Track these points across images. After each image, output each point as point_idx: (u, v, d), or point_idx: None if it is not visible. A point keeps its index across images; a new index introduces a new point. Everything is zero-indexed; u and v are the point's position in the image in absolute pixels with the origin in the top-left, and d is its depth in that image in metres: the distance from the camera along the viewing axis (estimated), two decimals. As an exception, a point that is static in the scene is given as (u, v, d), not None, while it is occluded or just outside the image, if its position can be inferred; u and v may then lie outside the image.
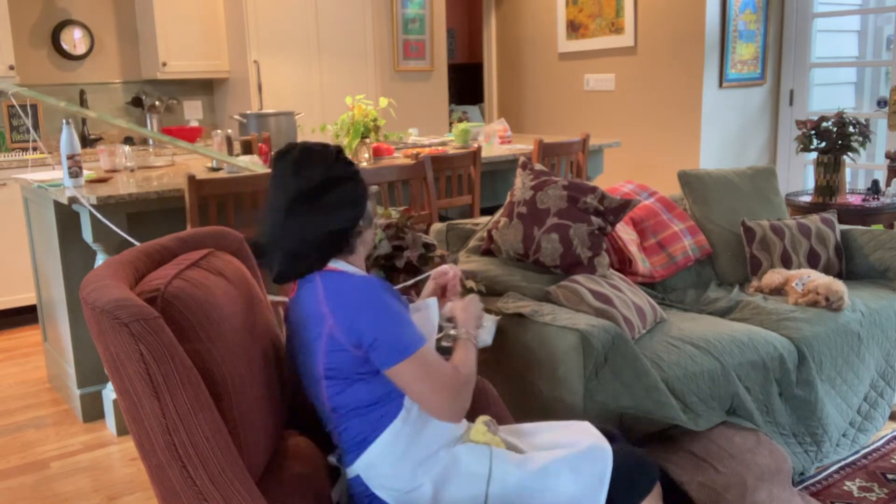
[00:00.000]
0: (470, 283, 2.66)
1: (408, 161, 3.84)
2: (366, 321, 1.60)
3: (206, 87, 5.85)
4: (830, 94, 5.91)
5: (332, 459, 1.78)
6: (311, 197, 1.66)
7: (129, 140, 5.42)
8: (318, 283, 1.67)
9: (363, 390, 1.65)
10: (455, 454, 1.70)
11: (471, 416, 1.81)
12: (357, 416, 1.66)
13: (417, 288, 2.37)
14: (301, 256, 1.68)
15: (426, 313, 1.82)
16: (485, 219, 3.21)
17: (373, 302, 1.62)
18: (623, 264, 3.04)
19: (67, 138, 3.08)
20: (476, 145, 4.35)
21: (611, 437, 1.85)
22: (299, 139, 4.86)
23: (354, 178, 1.71)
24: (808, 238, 3.26)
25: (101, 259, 3.11)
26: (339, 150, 1.73)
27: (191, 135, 5.40)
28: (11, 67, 4.75)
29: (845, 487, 2.62)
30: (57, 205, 3.19)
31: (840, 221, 3.52)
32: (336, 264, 1.71)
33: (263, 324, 1.78)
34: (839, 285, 2.87)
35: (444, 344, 2.23)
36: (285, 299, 1.97)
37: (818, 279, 2.91)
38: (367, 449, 1.67)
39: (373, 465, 1.67)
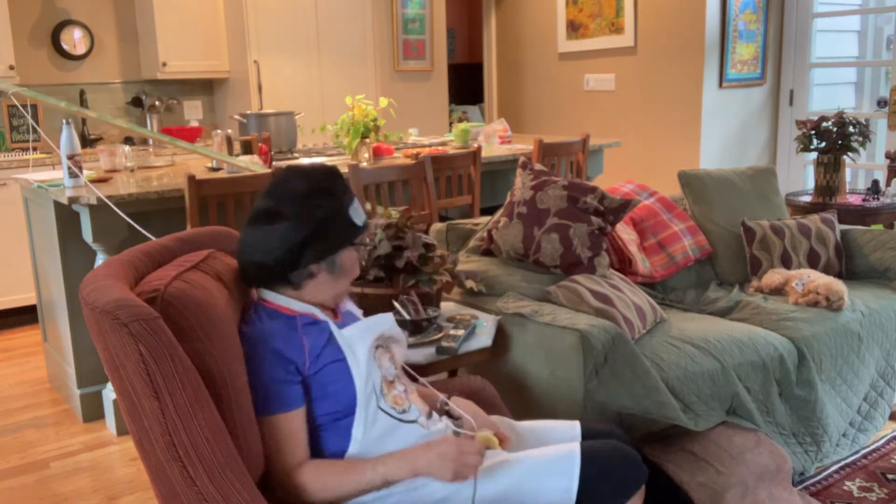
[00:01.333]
0: (470, 284, 2.66)
1: (408, 161, 3.84)
2: (247, 368, 1.58)
3: (206, 87, 5.85)
4: (830, 94, 5.91)
5: None
6: (255, 218, 1.64)
7: (129, 140, 5.42)
8: (252, 312, 1.67)
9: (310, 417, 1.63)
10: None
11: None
12: (315, 442, 1.64)
13: (417, 288, 2.37)
14: (253, 268, 1.65)
15: (367, 326, 1.72)
16: (485, 219, 3.21)
17: (256, 353, 1.59)
18: (623, 264, 3.04)
19: (67, 138, 3.08)
20: (476, 145, 4.35)
21: (608, 436, 1.85)
22: (299, 139, 4.87)
23: (298, 222, 1.60)
24: (808, 238, 3.26)
25: (101, 259, 3.11)
26: (318, 189, 1.62)
27: (191, 135, 5.40)
28: (11, 67, 4.75)
29: (845, 487, 2.62)
30: (57, 205, 3.19)
31: (840, 221, 3.52)
32: (274, 297, 1.67)
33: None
34: (839, 285, 2.87)
35: (444, 344, 2.24)
36: None
37: (818, 279, 2.91)
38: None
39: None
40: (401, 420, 1.67)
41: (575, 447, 1.67)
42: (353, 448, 1.62)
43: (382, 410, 1.65)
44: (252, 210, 1.66)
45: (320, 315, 1.68)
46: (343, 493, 1.58)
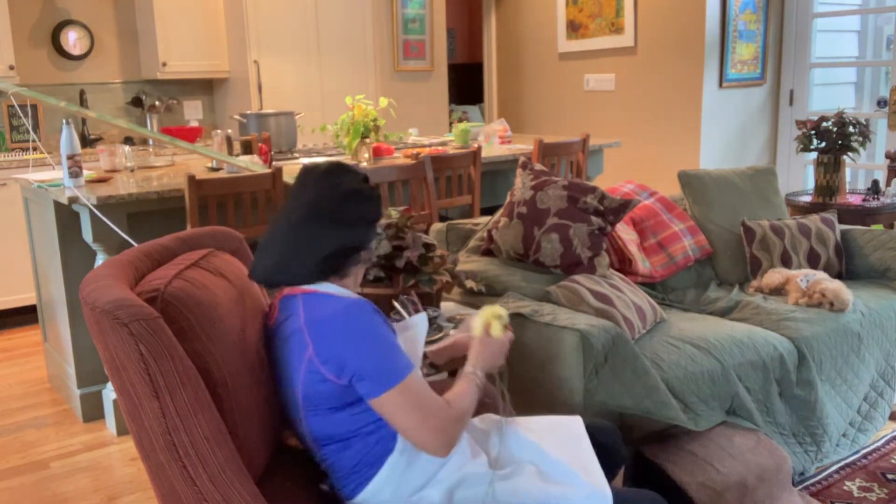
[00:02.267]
0: (470, 284, 2.66)
1: (408, 161, 3.84)
2: (348, 351, 1.53)
3: (206, 87, 5.85)
4: (830, 94, 5.91)
5: (325, 487, 1.70)
6: (335, 203, 1.61)
7: (129, 140, 5.42)
8: (300, 305, 1.61)
9: (347, 421, 1.58)
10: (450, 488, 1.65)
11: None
12: (344, 447, 1.60)
13: (418, 288, 2.37)
14: (296, 264, 1.60)
15: (412, 333, 1.76)
16: (485, 219, 3.21)
17: (356, 329, 1.54)
18: (623, 264, 3.04)
19: (67, 138, 3.08)
20: (476, 145, 4.35)
21: (605, 432, 1.83)
22: (299, 139, 4.87)
23: (377, 201, 1.67)
24: (808, 238, 3.26)
25: (101, 259, 3.11)
26: (366, 176, 1.70)
27: (191, 135, 5.40)
28: (11, 67, 4.75)
29: (845, 487, 2.62)
30: (57, 205, 3.19)
31: (840, 221, 3.52)
32: (322, 286, 1.63)
33: (264, 323, 1.78)
34: (847, 294, 2.85)
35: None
36: None
37: (826, 282, 2.89)
38: (367, 484, 1.62)
39: (374, 499, 1.62)
40: None
41: (607, 495, 1.63)
42: (400, 445, 1.61)
43: None
44: (310, 200, 1.62)
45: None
46: (475, 406, 1.67)
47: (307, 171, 1.68)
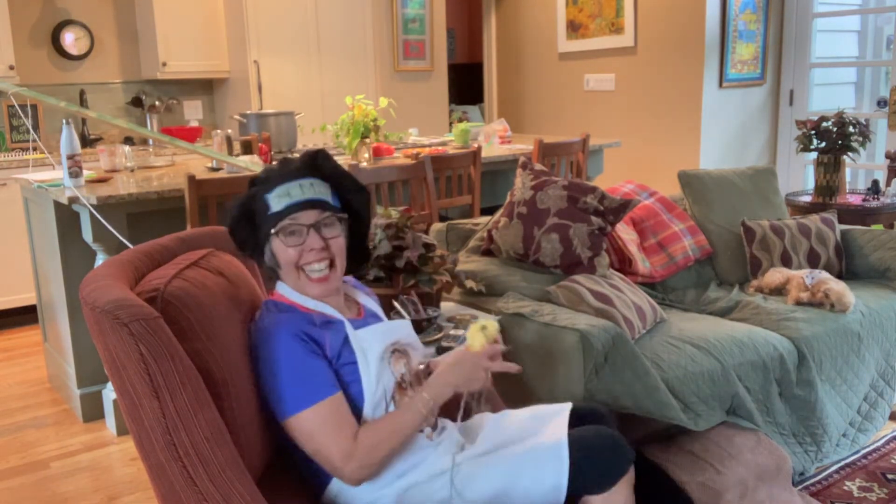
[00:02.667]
0: (470, 284, 2.66)
1: (408, 161, 3.84)
2: (262, 369, 1.56)
3: (206, 87, 5.85)
4: (830, 94, 5.91)
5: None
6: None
7: (129, 140, 5.42)
8: (262, 308, 1.67)
9: None
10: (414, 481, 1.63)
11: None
12: (301, 452, 1.60)
13: (418, 288, 2.37)
14: None
15: (385, 327, 1.72)
16: (485, 219, 3.21)
17: (270, 349, 1.54)
18: (623, 264, 3.04)
19: (67, 138, 3.08)
20: (476, 145, 4.35)
21: (598, 415, 1.83)
22: (299, 139, 4.87)
23: (233, 210, 1.65)
24: (808, 238, 3.26)
25: (101, 259, 3.11)
26: (253, 180, 1.65)
27: (191, 135, 5.40)
28: (11, 67, 4.75)
29: (845, 487, 2.62)
30: (57, 205, 3.19)
31: (840, 221, 3.52)
32: (279, 287, 1.68)
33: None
34: (851, 298, 2.85)
35: (444, 344, 2.23)
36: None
37: (831, 283, 2.89)
38: (325, 488, 1.63)
39: (338, 496, 1.63)
40: None
41: (562, 439, 1.64)
42: None
43: None
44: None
45: (335, 314, 1.65)
46: (407, 433, 1.57)
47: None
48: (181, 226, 3.22)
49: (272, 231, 1.60)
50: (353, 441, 1.53)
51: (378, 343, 1.65)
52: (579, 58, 6.15)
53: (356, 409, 1.59)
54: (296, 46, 5.51)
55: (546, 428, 1.70)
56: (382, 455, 1.55)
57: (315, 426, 1.52)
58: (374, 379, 1.61)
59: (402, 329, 1.75)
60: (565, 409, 1.76)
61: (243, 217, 1.64)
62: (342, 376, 1.60)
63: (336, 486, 1.62)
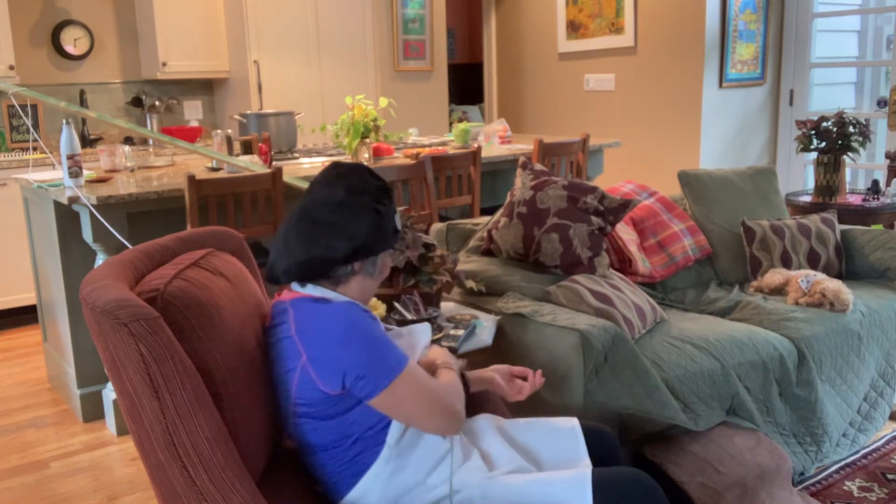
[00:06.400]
0: (470, 284, 2.66)
1: (408, 161, 3.84)
2: (343, 353, 1.52)
3: (206, 87, 5.85)
4: (830, 94, 5.91)
5: (319, 489, 1.71)
6: (323, 211, 1.60)
7: (129, 140, 5.42)
8: (290, 311, 1.61)
9: (335, 429, 1.59)
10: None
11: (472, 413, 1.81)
12: (331, 455, 1.61)
13: (418, 288, 2.37)
14: (279, 263, 1.62)
15: (411, 340, 1.77)
16: (485, 219, 3.21)
17: (347, 331, 1.53)
18: (623, 264, 3.04)
19: (67, 138, 3.08)
20: (476, 145, 4.35)
21: (602, 436, 1.83)
22: (299, 139, 4.87)
23: (369, 217, 1.61)
24: (808, 238, 3.26)
25: (101, 259, 3.11)
26: (382, 188, 1.65)
27: (191, 135, 5.40)
28: (11, 67, 4.75)
29: (845, 487, 2.62)
30: (57, 205, 3.19)
31: (840, 221, 3.52)
32: (313, 290, 1.64)
33: (263, 324, 1.78)
34: (848, 295, 2.85)
35: (444, 344, 2.23)
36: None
37: (826, 282, 2.89)
38: (350, 490, 1.62)
39: (360, 500, 1.63)
40: None
41: (586, 475, 1.60)
42: (385, 453, 1.60)
43: None
44: (304, 203, 1.63)
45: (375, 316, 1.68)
46: (459, 383, 1.74)
47: (327, 169, 1.68)
48: (181, 226, 3.22)
49: (394, 246, 1.76)
50: (446, 387, 1.65)
51: (418, 346, 1.77)
52: (579, 58, 6.15)
53: None
54: (296, 46, 5.52)
55: (567, 458, 1.72)
56: (464, 401, 1.68)
57: (417, 381, 1.58)
58: None
59: (424, 333, 1.84)
60: (578, 433, 1.77)
61: (378, 228, 1.64)
62: None
63: (355, 493, 1.62)
